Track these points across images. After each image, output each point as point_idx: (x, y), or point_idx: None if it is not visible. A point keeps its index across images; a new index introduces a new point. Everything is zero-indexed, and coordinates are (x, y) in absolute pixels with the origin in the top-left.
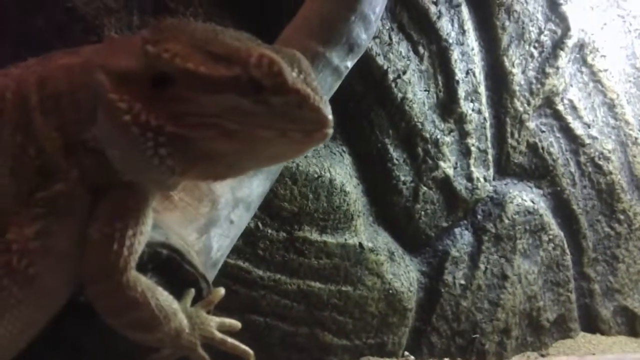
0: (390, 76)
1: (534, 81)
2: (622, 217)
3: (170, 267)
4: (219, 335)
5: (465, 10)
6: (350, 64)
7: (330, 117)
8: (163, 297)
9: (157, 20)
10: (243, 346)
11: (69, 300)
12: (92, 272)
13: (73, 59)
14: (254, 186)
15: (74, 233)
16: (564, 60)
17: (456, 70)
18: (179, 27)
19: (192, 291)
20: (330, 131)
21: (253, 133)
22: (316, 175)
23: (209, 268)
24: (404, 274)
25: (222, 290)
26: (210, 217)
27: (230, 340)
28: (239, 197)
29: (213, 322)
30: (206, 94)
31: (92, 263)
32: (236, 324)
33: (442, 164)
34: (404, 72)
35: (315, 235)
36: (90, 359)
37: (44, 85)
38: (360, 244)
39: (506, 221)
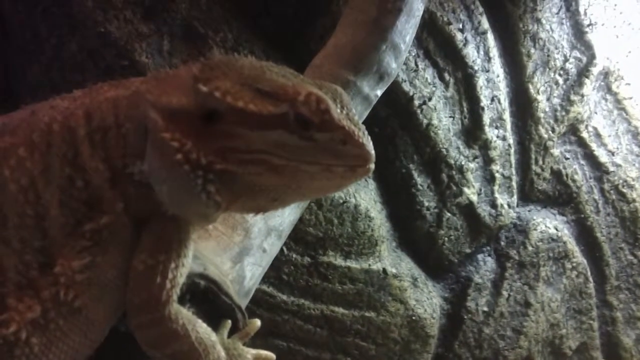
0: (416, 102)
1: (559, 108)
2: None
3: (208, 297)
4: None
5: (490, 37)
6: (379, 93)
7: (373, 152)
8: (202, 329)
9: (206, 57)
10: None
11: (111, 332)
12: (135, 303)
13: (119, 91)
14: (286, 215)
15: (118, 264)
16: (589, 87)
17: (481, 97)
18: (228, 64)
19: (229, 322)
20: (372, 166)
21: (299, 168)
22: (341, 201)
23: (242, 297)
24: (427, 300)
25: (258, 322)
26: (243, 246)
27: None
28: (271, 225)
29: (250, 354)
30: (254, 130)
31: (135, 294)
32: (271, 356)
33: (466, 190)
34: (430, 99)
35: (339, 261)
36: None
37: (91, 118)
38: (384, 270)
39: (529, 248)
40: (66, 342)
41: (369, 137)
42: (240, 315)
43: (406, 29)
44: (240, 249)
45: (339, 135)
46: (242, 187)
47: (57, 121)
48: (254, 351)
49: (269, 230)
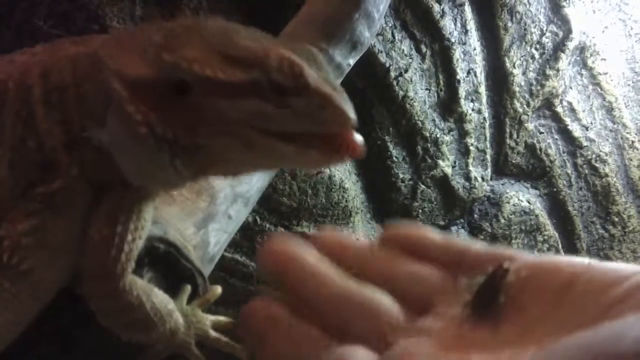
0: (392, 74)
1: (534, 82)
2: (616, 219)
3: (167, 261)
4: (213, 333)
5: (468, 10)
6: (352, 62)
7: (353, 116)
8: (158, 299)
9: (168, 20)
10: (236, 345)
11: (64, 292)
12: (89, 274)
13: (80, 49)
14: (254, 182)
15: (71, 228)
16: (565, 62)
17: (458, 70)
18: (192, 28)
19: (188, 288)
20: (355, 140)
21: (274, 147)
22: (315, 171)
23: (206, 263)
24: None
25: (219, 289)
26: (208, 212)
27: (224, 338)
28: (238, 192)
29: (208, 320)
30: (225, 100)
31: (89, 265)
32: (230, 322)
33: (441, 162)
34: (406, 70)
35: (313, 231)
36: (84, 352)
37: (48, 77)
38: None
39: (502, 221)
40: (13, 303)
41: (349, 101)
42: (200, 280)
43: None
44: (205, 214)
45: (316, 99)
46: (212, 159)
47: (12, 78)
48: (212, 317)
49: (235, 196)
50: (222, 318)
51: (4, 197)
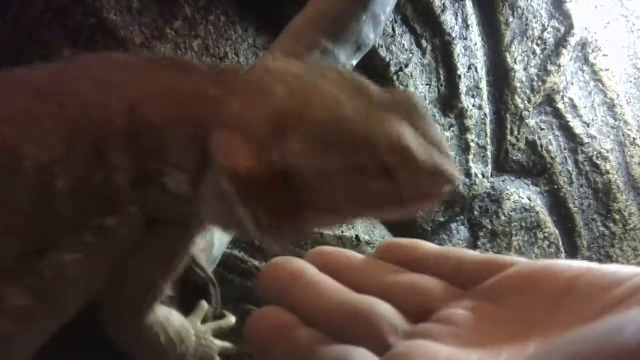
0: (392, 69)
1: (535, 78)
2: (617, 216)
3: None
4: None
5: (469, 5)
6: (355, 62)
7: (454, 173)
8: (174, 328)
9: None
10: None
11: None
12: (118, 308)
13: (177, 83)
14: None
15: (110, 260)
16: (566, 58)
17: (458, 65)
18: (300, 108)
19: (205, 306)
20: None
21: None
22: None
23: (209, 264)
24: None
25: (232, 319)
26: None
27: None
28: None
29: (216, 346)
30: (332, 183)
31: (121, 300)
32: (232, 349)
33: None
34: (406, 65)
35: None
36: (89, 355)
37: (135, 110)
38: (357, 237)
39: (502, 218)
40: (41, 325)
41: (450, 155)
42: (213, 289)
43: (388, 0)
44: None
45: (424, 171)
46: (309, 227)
47: (95, 98)
48: (219, 344)
49: None
50: (228, 345)
51: (59, 226)
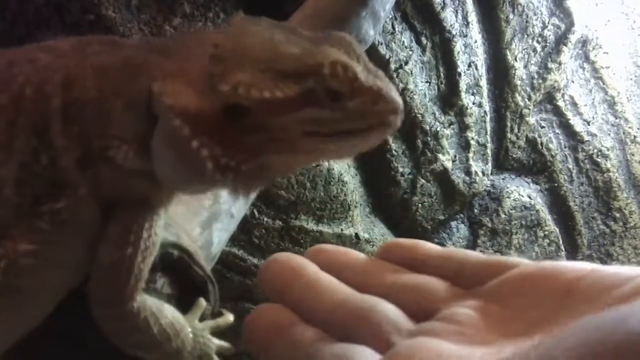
0: (392, 66)
1: (536, 76)
2: (617, 215)
3: (180, 267)
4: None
5: (469, 2)
6: None
7: (400, 100)
8: (167, 319)
9: (213, 41)
10: None
11: (72, 293)
12: (98, 296)
13: (109, 59)
14: None
15: (72, 247)
16: (567, 55)
17: (458, 63)
18: (237, 48)
19: (203, 304)
20: (398, 119)
21: (328, 147)
22: (314, 164)
23: (208, 262)
24: None
25: (230, 317)
26: (212, 211)
27: None
28: None
29: (214, 345)
30: (284, 116)
31: (98, 288)
32: (230, 348)
33: (441, 156)
34: (406, 63)
35: (311, 225)
36: (89, 354)
37: (70, 87)
38: (357, 235)
39: (502, 216)
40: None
41: (392, 84)
42: (211, 287)
43: None
44: (209, 214)
45: (370, 97)
46: (269, 172)
47: (31, 84)
48: (217, 342)
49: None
50: (226, 345)
51: (8, 215)
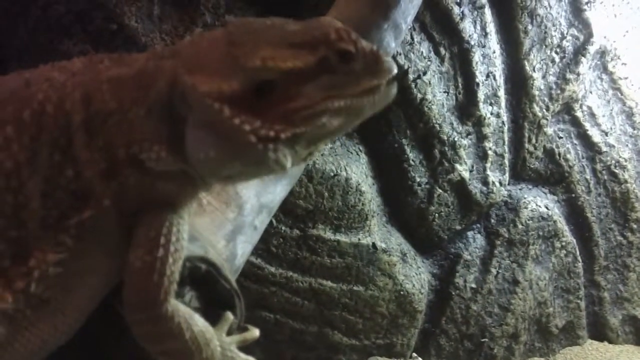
0: (411, 76)
1: (554, 86)
2: (635, 226)
3: (207, 281)
4: None
5: (488, 13)
6: None
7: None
8: (198, 327)
9: (223, 27)
10: None
11: (100, 307)
12: (132, 301)
13: (123, 70)
14: (278, 191)
15: (98, 257)
16: (585, 66)
17: (477, 73)
18: (249, 31)
19: (230, 317)
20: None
21: (352, 104)
22: (332, 174)
23: (232, 274)
24: (416, 276)
25: (256, 332)
26: (236, 224)
27: None
28: (263, 202)
29: (241, 359)
30: (307, 85)
31: (132, 292)
32: None
33: (458, 166)
34: (425, 73)
35: (328, 234)
36: None
37: (89, 103)
38: (374, 244)
39: (519, 226)
40: (33, 332)
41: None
42: (237, 301)
43: (409, 9)
44: (233, 226)
45: (370, 57)
46: (308, 142)
47: (51, 101)
48: (244, 357)
49: (261, 207)
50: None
51: (35, 227)
